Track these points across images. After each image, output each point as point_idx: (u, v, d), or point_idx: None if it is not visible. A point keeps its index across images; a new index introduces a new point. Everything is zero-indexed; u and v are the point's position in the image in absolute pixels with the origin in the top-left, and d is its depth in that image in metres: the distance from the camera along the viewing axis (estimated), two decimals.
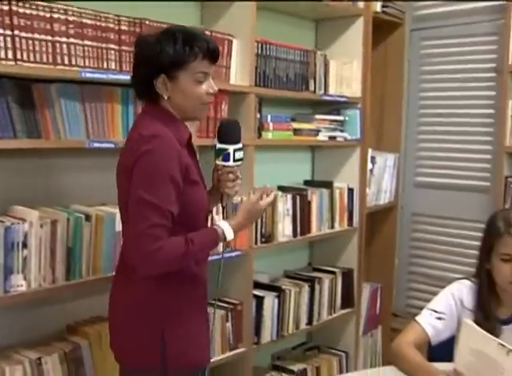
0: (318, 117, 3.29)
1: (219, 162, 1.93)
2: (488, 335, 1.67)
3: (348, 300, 3.55)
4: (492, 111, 3.73)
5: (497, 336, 1.99)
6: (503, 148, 3.41)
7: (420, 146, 4.11)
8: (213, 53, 1.83)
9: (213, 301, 2.17)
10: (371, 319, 3.84)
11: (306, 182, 3.50)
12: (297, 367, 3.35)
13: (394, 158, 3.88)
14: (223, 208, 1.99)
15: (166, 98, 1.82)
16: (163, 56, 1.77)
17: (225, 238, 1.84)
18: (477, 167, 3.84)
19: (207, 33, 1.94)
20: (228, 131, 1.94)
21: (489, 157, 3.75)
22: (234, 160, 1.91)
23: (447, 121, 3.96)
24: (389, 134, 3.96)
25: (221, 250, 2.05)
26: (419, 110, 4.08)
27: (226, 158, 1.91)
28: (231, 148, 1.90)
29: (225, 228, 1.84)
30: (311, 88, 3.18)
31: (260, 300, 2.98)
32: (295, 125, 3.10)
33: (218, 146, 1.93)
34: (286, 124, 3.06)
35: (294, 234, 3.12)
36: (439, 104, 3.99)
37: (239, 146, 1.93)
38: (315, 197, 3.27)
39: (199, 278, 1.91)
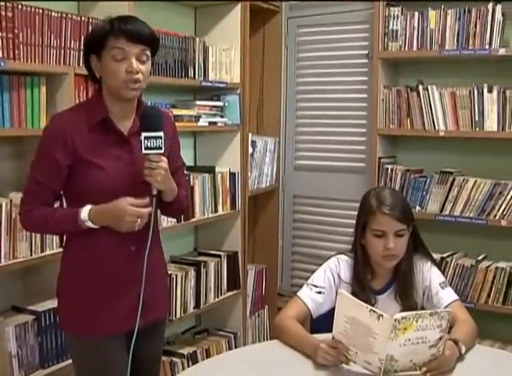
0: (198, 103, 3.33)
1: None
2: (361, 303, 1.79)
3: (234, 282, 3.63)
4: (365, 96, 3.91)
5: (372, 306, 2.13)
6: (376, 130, 3.60)
7: (298, 130, 4.25)
8: (130, 31, 1.89)
9: None
10: (258, 300, 3.96)
11: (188, 168, 3.53)
12: (186, 351, 3.39)
13: (274, 142, 3.99)
14: (152, 197, 1.96)
15: (98, 77, 1.97)
16: (89, 35, 2.00)
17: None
18: (353, 149, 4.03)
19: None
20: (142, 119, 1.96)
21: (364, 140, 3.95)
22: (146, 148, 1.90)
23: (323, 106, 4.11)
24: (269, 119, 4.08)
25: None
26: (296, 96, 4.22)
27: (141, 146, 1.91)
28: (142, 135, 1.90)
29: (83, 210, 1.91)
30: (191, 74, 3.22)
31: None
32: (176, 112, 3.13)
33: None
34: (167, 111, 3.08)
35: (178, 219, 3.15)
36: (316, 89, 4.14)
37: (152, 134, 1.90)
38: (198, 182, 3.32)
39: (101, 257, 1.99)
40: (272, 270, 4.11)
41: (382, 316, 1.73)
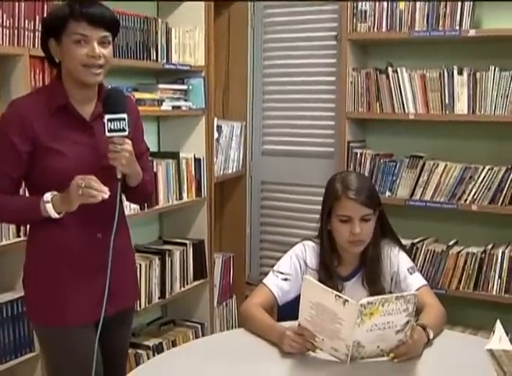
0: (161, 86, 3.30)
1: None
2: (326, 288, 1.80)
3: (201, 271, 3.63)
4: (333, 79, 3.92)
5: (340, 292, 2.15)
6: (344, 114, 3.60)
7: (265, 114, 4.24)
8: (92, 15, 1.88)
9: None
10: (225, 289, 3.97)
11: (152, 154, 3.49)
12: (152, 342, 3.39)
13: (240, 127, 3.99)
14: (117, 181, 1.94)
15: (57, 61, 1.96)
16: (47, 18, 1.99)
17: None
18: (322, 133, 4.04)
19: None
20: (104, 101, 1.95)
21: (332, 124, 3.96)
22: (109, 131, 1.89)
23: (291, 89, 4.11)
24: (235, 102, 4.07)
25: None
26: (263, 79, 4.21)
27: (104, 129, 1.90)
28: (105, 118, 1.89)
29: (44, 197, 1.90)
30: (153, 56, 3.19)
31: None
32: (138, 95, 3.10)
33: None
34: (129, 94, 3.05)
35: (142, 207, 3.13)
36: (283, 72, 4.14)
37: (115, 116, 1.89)
38: (162, 168, 3.30)
39: (66, 245, 2.00)
40: (239, 258, 4.12)
41: (348, 301, 1.74)
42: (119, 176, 1.94)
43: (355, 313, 1.74)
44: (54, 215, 1.90)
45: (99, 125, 1.93)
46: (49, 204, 1.90)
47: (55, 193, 1.91)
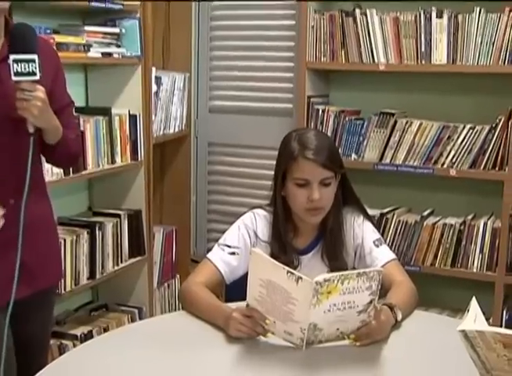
0: (88, 28, 3.23)
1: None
2: (277, 263, 1.80)
3: (138, 247, 3.62)
4: (292, 23, 3.91)
5: (295, 267, 2.17)
6: (304, 64, 3.60)
7: (213, 64, 4.22)
8: None
9: None
10: (167, 268, 3.97)
11: (78, 109, 3.43)
12: (80, 331, 3.37)
13: (183, 79, 3.95)
14: (29, 136, 1.91)
15: None
16: None
17: None
18: (278, 87, 4.04)
19: None
20: (10, 39, 1.91)
21: (291, 76, 3.96)
22: (16, 74, 1.85)
23: (243, 35, 4.10)
24: (177, 50, 4.02)
25: None
26: (211, 22, 4.18)
27: (10, 72, 1.86)
28: (10, 58, 1.86)
29: None
30: None
31: None
32: (58, 39, 3.02)
33: None
34: (47, 37, 2.98)
35: (66, 172, 3.08)
36: (234, 15, 4.11)
37: (23, 56, 1.85)
38: (90, 126, 3.25)
39: None
40: (183, 232, 4.12)
41: (301, 278, 1.75)
42: (31, 130, 1.91)
43: (310, 292, 1.74)
44: None
45: (5, 69, 1.89)
46: None
47: None
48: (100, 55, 3.28)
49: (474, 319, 1.53)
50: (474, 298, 1.60)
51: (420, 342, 1.98)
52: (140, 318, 3.69)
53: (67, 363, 1.88)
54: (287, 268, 1.78)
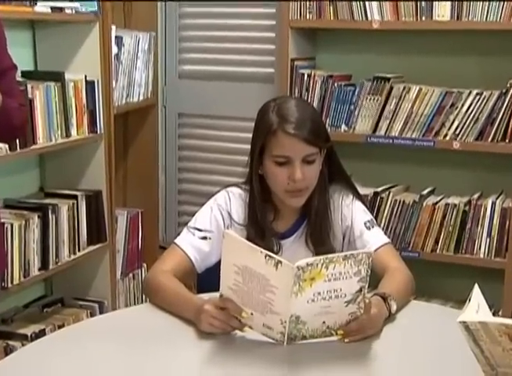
0: None
1: None
2: (253, 246, 1.80)
3: (98, 233, 3.62)
4: None
5: (276, 253, 2.17)
6: (287, 22, 3.58)
7: (183, 22, 4.21)
8: None
9: None
10: (132, 257, 3.98)
11: (25, 74, 3.42)
12: (30, 330, 3.37)
13: (148, 39, 3.94)
14: None
15: None
16: None
17: None
18: (258, 49, 4.05)
19: None
20: None
21: (272, 36, 3.96)
22: None
23: None
24: (141, 6, 4.00)
25: None
26: None
27: None
28: None
29: None
30: None
31: None
32: None
33: None
34: None
35: (12, 146, 3.06)
36: None
37: None
38: (40, 93, 3.23)
39: None
40: (151, 216, 4.14)
41: (281, 262, 1.74)
42: None
43: (291, 278, 1.74)
44: None
45: None
46: None
47: None
48: (49, 10, 3.23)
49: (477, 309, 1.53)
50: (476, 286, 1.60)
51: (417, 337, 2.00)
52: (101, 313, 3.68)
53: (14, 364, 1.86)
54: (265, 251, 1.78)
